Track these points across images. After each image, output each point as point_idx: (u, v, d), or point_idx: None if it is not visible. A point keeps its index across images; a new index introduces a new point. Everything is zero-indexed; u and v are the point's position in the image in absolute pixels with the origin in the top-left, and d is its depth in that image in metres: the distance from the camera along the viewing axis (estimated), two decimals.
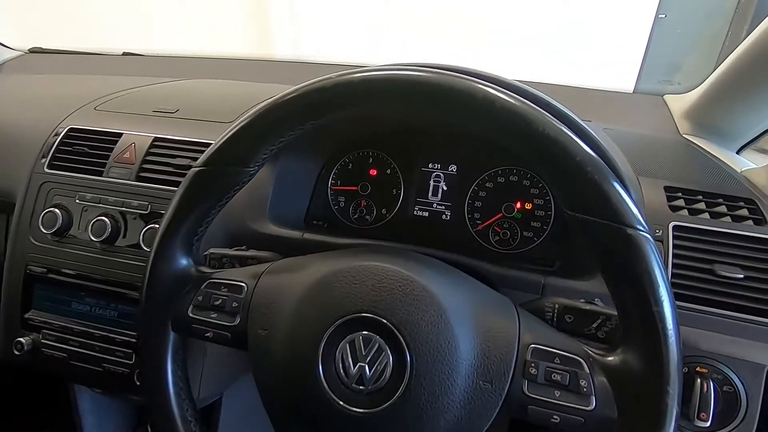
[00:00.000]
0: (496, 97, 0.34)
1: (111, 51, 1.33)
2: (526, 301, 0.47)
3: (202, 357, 0.63)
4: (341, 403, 0.35)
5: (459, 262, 0.57)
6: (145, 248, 0.63)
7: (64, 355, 0.66)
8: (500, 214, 0.69)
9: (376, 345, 0.35)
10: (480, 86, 0.34)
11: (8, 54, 1.26)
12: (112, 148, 0.69)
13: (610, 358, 0.35)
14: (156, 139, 0.69)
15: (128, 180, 0.67)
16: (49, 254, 0.67)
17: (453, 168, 0.72)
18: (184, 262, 0.43)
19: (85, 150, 0.70)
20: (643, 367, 0.33)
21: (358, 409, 0.35)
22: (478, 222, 0.70)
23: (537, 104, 0.35)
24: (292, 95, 0.38)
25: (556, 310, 0.45)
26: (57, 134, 0.72)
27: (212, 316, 0.41)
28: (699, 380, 0.49)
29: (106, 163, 0.68)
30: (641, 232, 0.33)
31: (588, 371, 0.34)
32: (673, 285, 0.50)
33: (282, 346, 0.37)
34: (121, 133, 0.70)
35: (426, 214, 0.73)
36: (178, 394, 0.42)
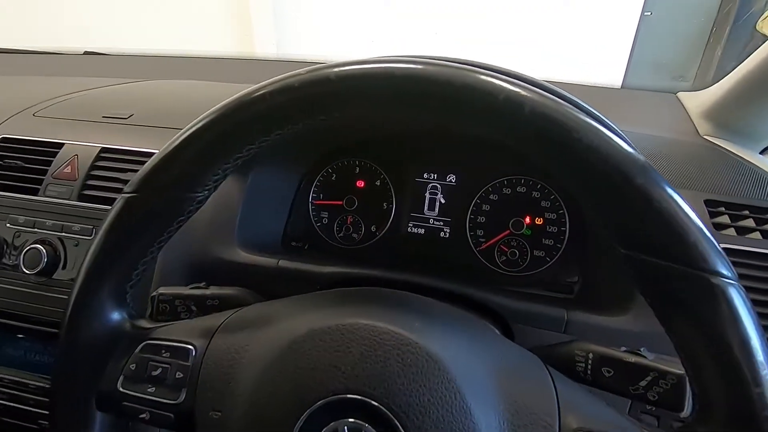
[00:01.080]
0: (524, 97, 0.25)
1: (72, 50, 1.22)
2: (549, 344, 0.38)
3: None
4: None
5: (465, 294, 0.48)
6: None
7: None
8: (507, 231, 0.60)
9: None
10: (502, 83, 0.25)
11: None
12: (51, 162, 0.58)
13: None
14: (104, 149, 0.58)
15: (69, 199, 0.56)
16: None
17: (452, 178, 0.63)
18: (113, 316, 0.33)
19: (19, 164, 0.59)
20: None
21: None
22: (482, 240, 0.61)
23: (577, 108, 0.26)
24: (248, 98, 0.29)
25: (590, 361, 0.36)
26: None
27: (149, 390, 0.31)
28: None
29: (43, 180, 0.58)
30: (729, 282, 0.24)
31: None
32: None
33: None
34: (63, 143, 0.60)
35: (422, 231, 0.64)
36: None
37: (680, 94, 0.83)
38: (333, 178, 0.66)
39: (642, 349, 0.36)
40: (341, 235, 0.66)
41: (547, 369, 0.30)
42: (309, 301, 0.33)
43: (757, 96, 0.65)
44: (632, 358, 0.34)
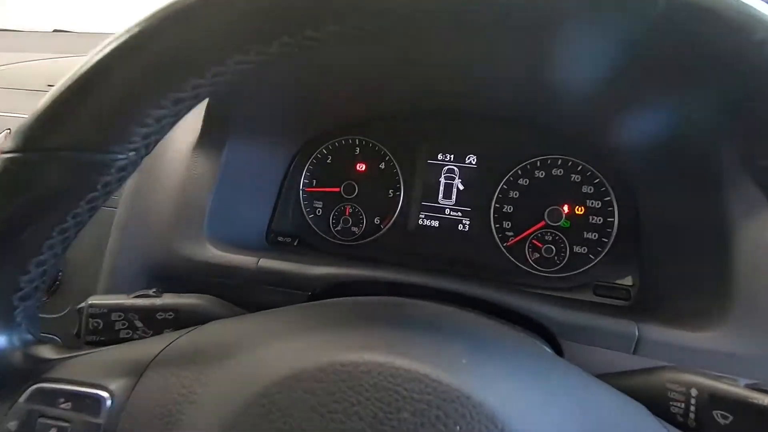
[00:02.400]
0: None
1: (40, 28, 1.11)
2: (620, 372, 0.28)
3: None
4: None
5: (498, 302, 0.37)
6: None
7: None
8: (542, 223, 0.49)
9: None
10: None
11: None
12: None
13: None
14: None
15: None
16: None
17: (472, 159, 0.52)
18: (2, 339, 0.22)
19: None
20: None
21: None
22: (510, 234, 0.50)
23: None
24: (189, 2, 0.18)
25: (693, 401, 0.25)
26: None
27: None
28: None
29: None
30: None
31: None
32: None
33: None
34: None
35: (435, 223, 0.53)
36: None
37: None
38: (329, 161, 0.55)
39: (754, 385, 0.25)
40: (338, 228, 0.55)
41: (662, 424, 0.19)
42: (293, 320, 0.21)
43: None
44: (765, 399, 0.23)
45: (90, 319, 0.30)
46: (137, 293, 0.32)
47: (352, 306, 0.22)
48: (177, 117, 0.21)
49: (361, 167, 0.55)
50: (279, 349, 0.19)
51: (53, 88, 0.19)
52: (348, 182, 0.54)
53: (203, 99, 0.21)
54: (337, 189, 0.55)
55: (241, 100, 0.45)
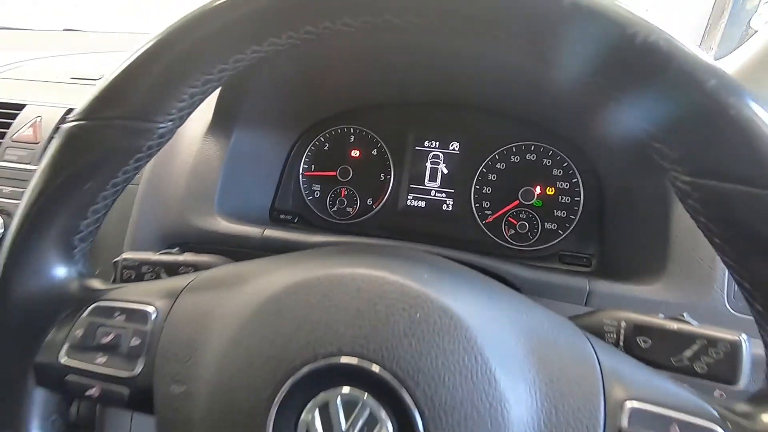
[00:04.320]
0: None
1: (52, 28, 1.16)
2: (571, 316, 0.33)
3: (129, 419, 0.47)
4: None
5: (472, 262, 0.43)
6: None
7: None
8: (516, 202, 0.55)
9: (366, 411, 0.20)
10: None
11: None
12: (10, 124, 0.52)
13: (764, 420, 0.21)
14: (70, 111, 0.52)
15: (29, 164, 0.50)
16: None
17: (455, 146, 0.58)
18: (58, 273, 0.27)
19: None
20: None
21: None
22: (488, 213, 0.56)
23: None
24: (222, 2, 0.23)
25: (622, 331, 0.31)
26: None
27: (99, 360, 0.25)
28: None
29: (1, 143, 0.52)
30: None
31: None
32: None
33: (207, 413, 0.22)
34: (24, 104, 0.54)
35: (422, 204, 0.58)
36: None
37: None
38: (326, 148, 0.61)
39: (684, 315, 0.31)
40: (334, 209, 0.60)
41: (584, 333, 0.25)
42: (292, 258, 0.27)
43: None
44: (674, 325, 0.29)
45: (124, 270, 0.35)
46: (162, 251, 0.38)
47: (341, 246, 0.28)
48: (205, 94, 0.27)
49: (355, 153, 0.60)
50: (284, 272, 0.25)
51: (110, 71, 0.25)
52: (343, 167, 0.60)
53: (224, 81, 0.26)
54: (333, 173, 0.60)
55: (247, 92, 0.50)
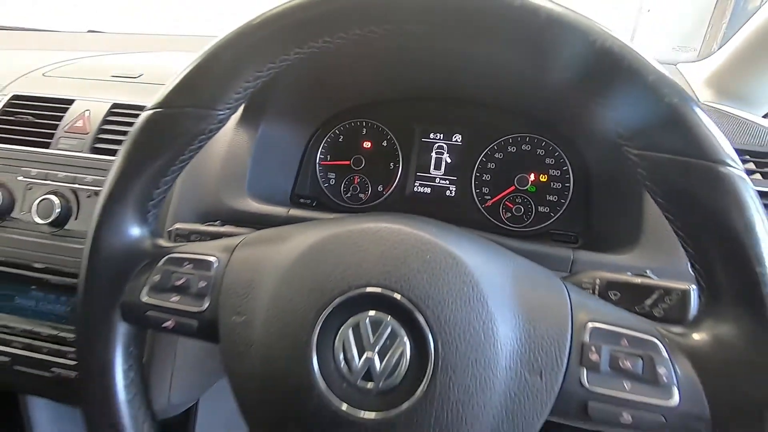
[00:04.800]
0: (538, 5, 0.26)
1: (75, 29, 1.23)
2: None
3: (173, 355, 0.53)
4: (343, 406, 0.26)
5: None
6: None
7: (7, 359, 0.55)
8: (512, 188, 0.61)
9: (389, 329, 0.27)
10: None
11: None
12: (62, 117, 0.59)
13: (694, 337, 0.27)
14: (115, 105, 0.59)
15: (81, 152, 0.57)
16: None
17: (457, 138, 0.64)
18: (136, 232, 0.34)
19: (31, 119, 0.60)
20: (741, 347, 0.25)
21: (365, 414, 0.26)
22: (487, 197, 0.62)
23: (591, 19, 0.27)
24: (275, 12, 0.29)
25: (597, 286, 0.37)
26: None
27: (173, 299, 0.32)
28: None
29: (54, 134, 0.58)
30: (736, 170, 0.25)
31: (666, 355, 0.26)
32: None
33: (263, 336, 0.29)
34: (73, 100, 0.60)
35: (428, 190, 0.65)
36: (131, 403, 0.33)
37: (680, 65, 0.84)
38: (340, 140, 0.67)
39: (647, 271, 0.37)
40: (348, 194, 0.67)
41: (559, 278, 0.31)
42: (326, 220, 0.33)
43: (757, 60, 0.66)
44: (638, 279, 0.35)
45: (177, 237, 0.42)
46: (207, 223, 0.44)
47: (366, 213, 0.34)
48: (255, 87, 0.33)
49: (367, 144, 0.67)
50: (320, 228, 0.31)
51: (187, 65, 0.31)
52: (356, 156, 0.66)
53: (270, 76, 0.33)
54: (347, 162, 0.67)
55: (273, 90, 0.56)
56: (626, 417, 0.26)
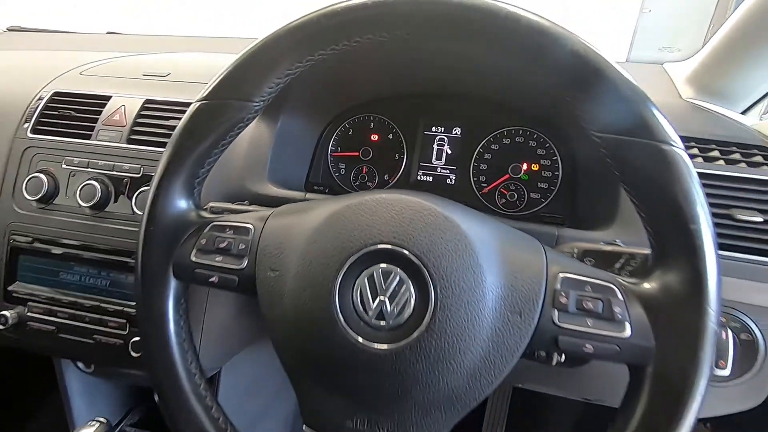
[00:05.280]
0: (520, 15, 0.32)
1: (95, 31, 1.30)
2: None
3: (200, 327, 0.60)
4: (360, 340, 0.32)
5: None
6: (138, 212, 0.60)
7: (52, 327, 0.62)
8: (506, 176, 0.67)
9: (397, 278, 0.33)
10: (504, 5, 0.32)
11: None
12: (101, 111, 0.66)
13: (644, 285, 0.33)
14: (147, 101, 0.65)
15: (118, 143, 0.63)
16: (34, 223, 0.63)
17: (457, 131, 0.71)
18: (184, 205, 0.40)
19: (72, 113, 0.66)
20: (680, 289, 0.31)
21: (378, 346, 0.32)
22: (484, 185, 0.69)
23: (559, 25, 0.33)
24: (303, 21, 0.36)
25: (575, 254, 0.43)
26: (41, 98, 0.68)
27: (217, 259, 0.38)
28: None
29: (94, 127, 0.65)
30: (676, 148, 0.31)
31: (622, 298, 0.32)
32: None
33: (294, 286, 0.35)
34: (110, 96, 0.67)
35: (430, 179, 0.71)
36: (181, 345, 0.39)
37: (666, 64, 0.90)
38: (350, 133, 0.74)
39: (617, 241, 0.43)
40: (357, 183, 0.73)
41: (539, 241, 0.38)
42: (344, 195, 0.40)
43: (732, 59, 0.72)
44: (608, 247, 0.42)
45: (212, 214, 0.48)
46: (237, 202, 0.51)
47: (379, 190, 0.40)
48: (284, 83, 0.39)
49: (374, 137, 0.73)
50: (341, 200, 0.37)
51: (230, 64, 0.38)
52: (365, 148, 0.73)
53: (297, 74, 0.39)
54: (356, 153, 0.73)
55: (291, 87, 0.63)
56: (588, 347, 0.32)
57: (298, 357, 0.35)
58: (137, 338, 0.59)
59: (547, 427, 1.14)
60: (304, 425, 0.36)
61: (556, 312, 0.33)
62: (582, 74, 0.32)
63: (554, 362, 0.43)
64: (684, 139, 0.55)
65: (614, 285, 0.33)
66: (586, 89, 0.32)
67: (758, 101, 0.78)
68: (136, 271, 0.39)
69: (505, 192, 0.68)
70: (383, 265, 0.33)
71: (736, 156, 0.53)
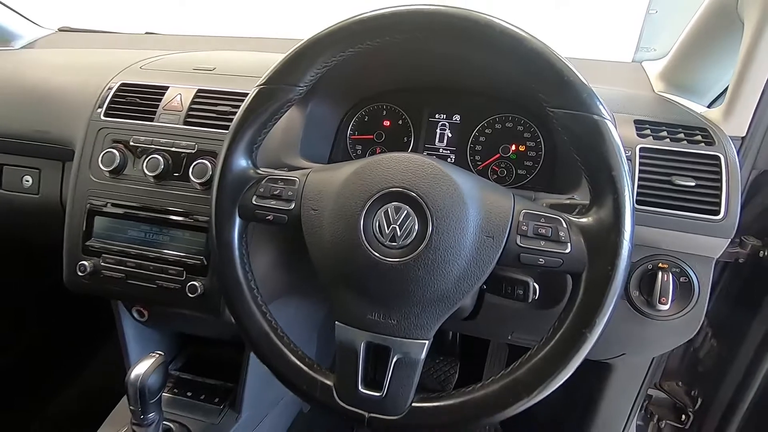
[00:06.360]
0: (496, 23, 0.45)
1: (134, 31, 1.44)
2: None
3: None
4: (377, 255, 0.46)
5: None
6: (194, 180, 0.73)
7: (122, 275, 0.76)
8: (497, 155, 0.80)
9: (405, 211, 0.46)
10: (489, 17, 0.45)
11: (41, 32, 1.35)
12: (161, 99, 0.79)
13: (582, 219, 0.46)
14: (200, 90, 0.79)
15: (176, 124, 0.77)
16: (107, 189, 0.77)
17: (457, 117, 0.83)
18: (246, 164, 0.54)
19: (137, 100, 0.80)
20: (605, 218, 0.44)
21: (391, 259, 0.45)
22: (479, 162, 0.81)
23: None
24: (340, 26, 0.49)
25: (544, 205, 0.56)
26: (110, 88, 0.82)
27: (272, 203, 0.52)
28: (660, 273, 0.61)
29: (156, 111, 0.79)
30: (605, 119, 0.44)
31: (566, 226, 0.45)
32: (639, 194, 0.62)
33: (330, 220, 0.48)
34: (168, 86, 0.81)
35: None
36: (243, 267, 0.53)
37: (644, 63, 1.02)
38: (366, 119, 0.87)
39: (574, 197, 0.56)
40: None
41: (512, 192, 0.50)
42: (365, 158, 0.53)
43: (695, 56, 0.84)
44: (567, 200, 0.55)
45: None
46: (278, 169, 0.64)
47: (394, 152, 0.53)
48: (322, 73, 0.52)
49: (386, 123, 0.86)
50: (362, 160, 0.50)
51: (284, 56, 0.51)
52: (378, 132, 0.86)
53: (331, 66, 0.52)
54: (371, 136, 0.86)
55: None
56: (541, 260, 0.45)
57: (332, 271, 0.49)
58: (193, 282, 0.73)
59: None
60: (335, 321, 0.49)
61: (519, 236, 0.46)
62: (540, 66, 0.45)
63: (530, 299, 0.55)
64: (641, 122, 0.68)
65: (561, 218, 0.46)
66: (543, 77, 0.45)
67: (722, 94, 0.90)
68: (211, 211, 0.53)
69: (497, 169, 0.80)
70: (395, 203, 0.46)
71: (680, 135, 0.65)
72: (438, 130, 0.84)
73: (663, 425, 1.10)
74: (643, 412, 1.09)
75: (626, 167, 0.43)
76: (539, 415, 1.24)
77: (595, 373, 0.91)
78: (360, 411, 0.47)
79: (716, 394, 0.90)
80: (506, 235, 0.46)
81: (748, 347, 0.80)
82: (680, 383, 1.06)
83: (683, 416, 1.02)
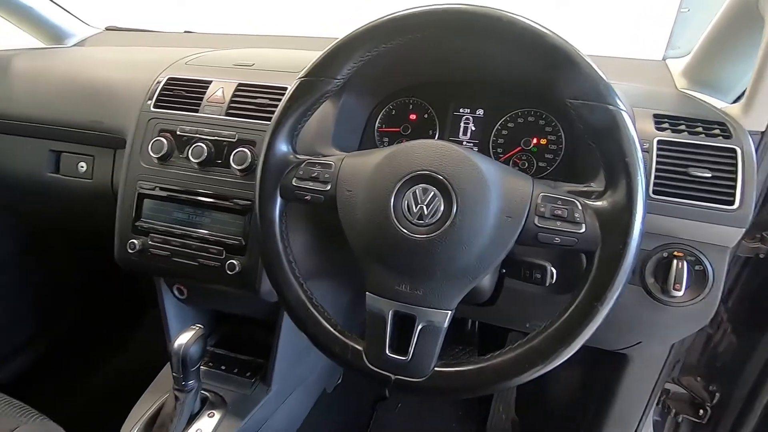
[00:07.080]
0: (519, 20, 0.49)
1: (174, 30, 1.53)
2: None
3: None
4: (406, 232, 0.50)
5: None
6: (235, 166, 0.79)
7: (167, 253, 0.83)
8: (519, 148, 0.83)
9: (432, 192, 0.50)
10: (511, 14, 0.49)
11: (90, 31, 1.45)
12: (205, 91, 0.86)
13: (597, 202, 0.49)
14: (240, 84, 0.85)
15: (219, 116, 0.83)
16: (155, 174, 0.84)
17: (480, 111, 0.87)
18: (288, 149, 0.59)
19: (183, 93, 0.87)
20: (619, 201, 0.47)
21: (418, 236, 0.50)
22: (500, 154, 0.85)
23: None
24: (375, 24, 0.54)
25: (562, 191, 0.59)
26: (158, 82, 0.90)
27: (310, 184, 0.57)
28: (675, 261, 0.63)
29: (200, 103, 0.85)
30: (621, 109, 0.47)
31: (581, 208, 0.49)
32: (656, 184, 0.64)
33: (363, 200, 0.53)
34: (211, 81, 0.87)
35: None
36: (283, 242, 0.58)
37: (668, 60, 1.03)
38: (393, 113, 0.91)
39: (591, 184, 0.59)
40: None
41: (530, 176, 0.54)
42: (395, 145, 0.57)
43: (717, 53, 0.86)
44: (584, 187, 0.58)
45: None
46: (314, 156, 0.69)
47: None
48: (357, 67, 0.57)
49: (413, 116, 0.90)
50: (393, 146, 0.55)
51: (324, 50, 0.56)
52: (405, 125, 0.90)
53: (365, 61, 0.57)
54: (398, 129, 0.90)
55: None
56: (557, 239, 0.48)
57: (365, 247, 0.54)
58: (231, 261, 0.79)
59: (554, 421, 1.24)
60: (367, 292, 0.54)
61: (537, 217, 0.49)
62: (560, 61, 0.49)
63: (547, 282, 0.59)
64: (660, 116, 0.70)
65: (576, 200, 0.49)
66: (563, 70, 0.49)
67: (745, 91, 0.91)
68: (255, 191, 0.59)
69: (518, 161, 0.84)
70: (423, 185, 0.51)
71: (699, 129, 0.67)
72: (462, 124, 0.88)
73: (680, 420, 1.11)
74: (660, 407, 1.10)
75: (640, 155, 0.47)
76: (555, 408, 1.26)
77: (612, 365, 0.93)
78: (387, 373, 0.52)
79: (734, 389, 0.91)
80: (525, 216, 0.49)
81: (767, 342, 0.82)
82: (698, 378, 1.07)
83: (701, 411, 1.03)
